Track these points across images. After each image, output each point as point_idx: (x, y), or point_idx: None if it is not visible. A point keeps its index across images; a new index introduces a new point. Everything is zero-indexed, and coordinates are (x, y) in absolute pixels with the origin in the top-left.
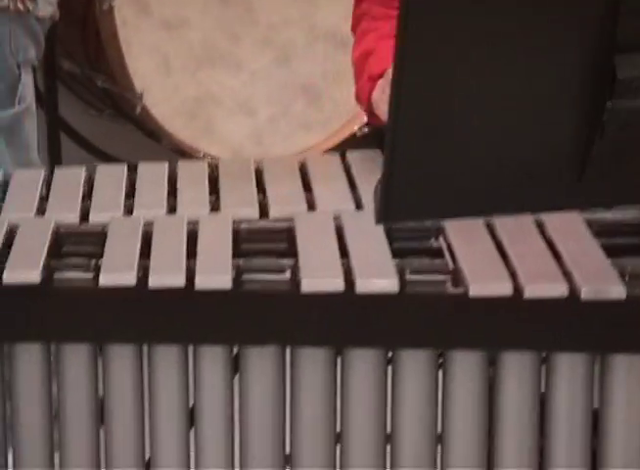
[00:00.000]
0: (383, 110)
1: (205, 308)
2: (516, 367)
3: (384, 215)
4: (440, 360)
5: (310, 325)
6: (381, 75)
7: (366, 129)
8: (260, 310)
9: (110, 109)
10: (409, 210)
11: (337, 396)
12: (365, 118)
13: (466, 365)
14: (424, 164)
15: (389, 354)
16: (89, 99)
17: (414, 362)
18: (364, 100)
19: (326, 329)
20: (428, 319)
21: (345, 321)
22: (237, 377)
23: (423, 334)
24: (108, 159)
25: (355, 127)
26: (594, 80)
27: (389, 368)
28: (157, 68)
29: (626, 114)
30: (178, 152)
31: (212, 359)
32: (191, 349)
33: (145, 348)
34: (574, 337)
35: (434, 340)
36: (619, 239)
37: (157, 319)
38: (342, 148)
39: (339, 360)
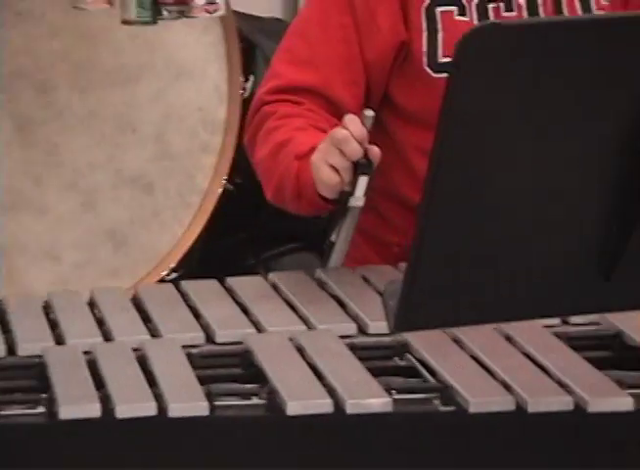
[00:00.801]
0: (325, 172)
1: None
2: None
3: (401, 323)
4: None
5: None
6: (309, 151)
7: (174, 274)
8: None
9: None
10: (429, 317)
11: None
12: None
13: None
14: (448, 270)
15: None
16: None
17: None
18: (289, 186)
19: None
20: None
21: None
22: None
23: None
24: None
25: (163, 273)
26: (630, 171)
27: None
28: None
29: None
30: None
31: None
32: None
33: None
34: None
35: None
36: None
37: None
38: None
39: None
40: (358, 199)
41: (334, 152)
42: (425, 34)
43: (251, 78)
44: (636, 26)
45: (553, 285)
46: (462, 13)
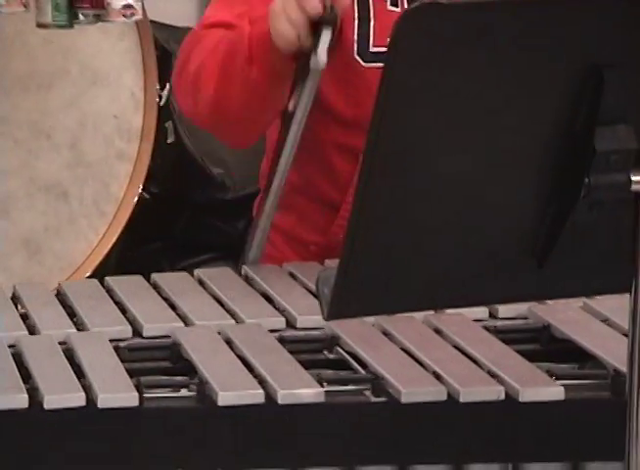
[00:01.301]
0: (282, 24)
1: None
2: None
3: (335, 311)
4: None
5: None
6: (265, 16)
7: None
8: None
9: None
10: (363, 304)
11: None
12: None
13: None
14: (381, 258)
15: None
16: None
17: None
18: (240, 55)
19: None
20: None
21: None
22: None
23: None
24: None
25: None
26: (569, 155)
27: None
28: None
29: (603, 190)
30: None
31: None
32: None
33: None
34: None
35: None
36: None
37: None
38: None
39: None
40: (320, 57)
41: (293, 5)
42: (356, 22)
43: (167, 86)
44: (575, 3)
45: (486, 272)
46: (394, 3)
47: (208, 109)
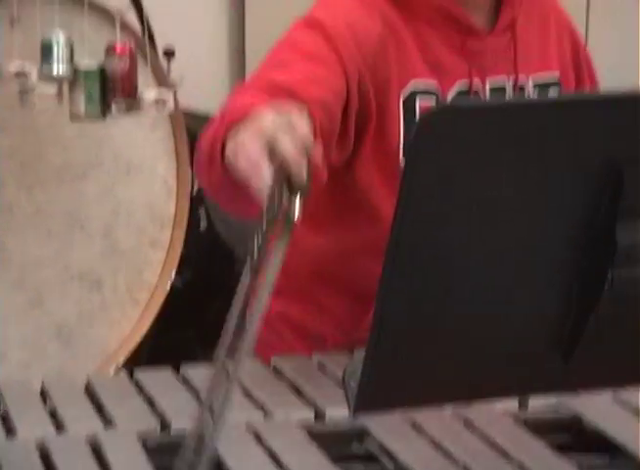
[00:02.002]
0: (249, 148)
1: None
2: None
3: (362, 405)
4: None
5: None
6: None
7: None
8: None
9: None
10: (390, 398)
11: None
12: None
13: None
14: (408, 351)
15: None
16: None
17: None
18: (208, 141)
19: None
20: None
21: None
22: None
23: None
24: None
25: (111, 369)
26: (591, 249)
27: None
28: None
29: (625, 283)
30: None
31: None
32: None
33: None
34: None
35: None
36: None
37: None
38: None
39: None
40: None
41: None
42: (401, 125)
43: None
44: (586, 108)
45: (513, 365)
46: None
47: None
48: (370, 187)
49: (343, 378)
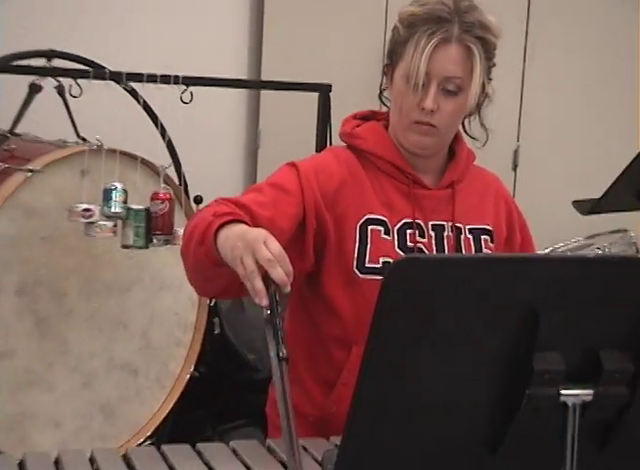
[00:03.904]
0: (238, 265)
1: None
2: None
3: None
4: None
5: None
6: (225, 214)
7: (149, 441)
8: None
9: None
10: None
11: None
12: None
13: None
14: (373, 445)
15: None
16: None
17: None
18: (200, 229)
19: None
20: None
21: None
22: None
23: None
24: None
25: (140, 440)
26: (514, 373)
27: None
28: None
29: (539, 400)
30: None
31: None
32: None
33: None
34: None
35: None
36: None
37: None
38: None
39: None
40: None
41: (248, 251)
42: (357, 245)
43: None
44: (513, 265)
45: (450, 457)
46: (387, 232)
47: (181, 247)
48: (333, 292)
49: (322, 463)
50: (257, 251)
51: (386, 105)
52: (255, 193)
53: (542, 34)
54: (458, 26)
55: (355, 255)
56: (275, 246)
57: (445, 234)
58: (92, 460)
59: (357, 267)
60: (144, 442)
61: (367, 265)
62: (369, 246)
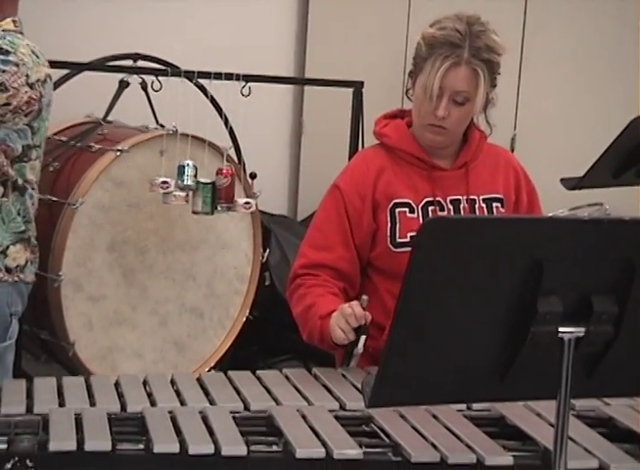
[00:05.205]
0: (337, 332)
1: None
2: None
3: (373, 403)
4: None
5: None
6: (328, 314)
7: (213, 371)
8: None
9: (45, 355)
10: (392, 399)
11: None
12: None
13: None
14: (405, 371)
15: None
16: (30, 348)
17: None
18: (316, 336)
19: None
20: None
21: None
22: None
23: None
24: None
25: (206, 369)
26: (521, 313)
27: None
28: (83, 326)
29: (541, 336)
30: None
31: None
32: None
33: None
34: None
35: None
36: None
37: None
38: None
39: None
40: (359, 349)
41: (342, 320)
42: (389, 225)
43: (267, 251)
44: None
45: (466, 382)
46: (412, 211)
47: (305, 339)
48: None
49: (362, 385)
50: (347, 315)
51: (410, 99)
52: (324, 251)
53: (539, 25)
54: (468, 51)
55: (388, 234)
56: (358, 310)
57: (462, 206)
58: (172, 382)
59: (391, 243)
60: (209, 371)
61: (398, 241)
62: (398, 225)
